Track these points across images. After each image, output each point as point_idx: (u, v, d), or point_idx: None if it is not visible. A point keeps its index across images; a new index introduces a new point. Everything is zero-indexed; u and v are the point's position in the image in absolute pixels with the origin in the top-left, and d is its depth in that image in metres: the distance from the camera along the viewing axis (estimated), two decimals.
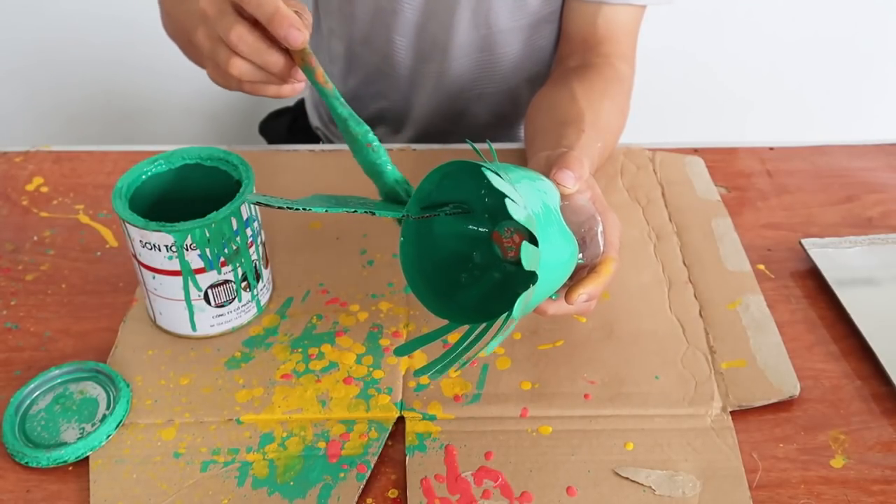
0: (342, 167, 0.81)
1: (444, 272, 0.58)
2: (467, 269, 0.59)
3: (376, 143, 0.57)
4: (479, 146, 0.59)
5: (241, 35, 0.53)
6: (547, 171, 0.59)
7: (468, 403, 0.58)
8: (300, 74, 0.56)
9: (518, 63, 0.90)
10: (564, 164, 0.56)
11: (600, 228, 0.56)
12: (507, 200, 0.48)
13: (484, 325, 0.54)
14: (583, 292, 0.53)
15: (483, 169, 0.50)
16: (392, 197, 0.58)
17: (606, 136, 0.74)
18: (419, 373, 0.53)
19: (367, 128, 0.57)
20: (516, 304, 0.48)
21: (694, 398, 0.58)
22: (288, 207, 0.52)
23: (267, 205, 0.52)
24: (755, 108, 1.42)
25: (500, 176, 0.49)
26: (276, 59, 0.55)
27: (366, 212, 0.53)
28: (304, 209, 0.52)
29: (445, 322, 0.56)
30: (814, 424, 0.57)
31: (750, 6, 1.31)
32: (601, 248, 0.56)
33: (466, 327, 0.55)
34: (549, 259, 0.50)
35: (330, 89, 0.56)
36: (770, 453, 0.55)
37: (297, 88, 0.57)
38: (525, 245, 0.48)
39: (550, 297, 0.55)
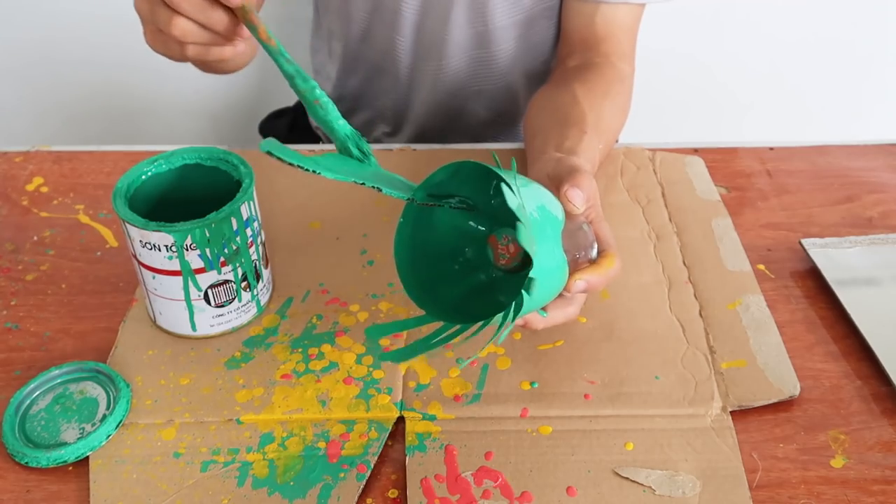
0: None
1: (434, 263, 0.58)
2: (457, 264, 0.59)
3: (324, 98, 0.56)
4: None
5: None
6: (556, 178, 0.58)
7: (468, 403, 0.58)
8: (245, 31, 0.55)
9: (514, 59, 0.90)
10: (576, 183, 0.56)
11: (594, 252, 0.56)
12: (518, 225, 0.48)
13: (459, 326, 0.54)
14: (581, 278, 0.53)
15: (502, 185, 0.50)
16: (345, 151, 0.57)
17: (607, 137, 0.74)
18: (384, 357, 0.55)
19: (315, 84, 0.56)
20: (515, 305, 0.49)
21: (694, 398, 0.58)
22: (299, 165, 0.51)
23: (279, 157, 0.52)
24: (755, 108, 1.42)
25: (513, 191, 0.49)
26: (219, 17, 0.54)
27: (373, 186, 0.52)
28: (314, 171, 0.52)
29: (434, 329, 0.56)
30: (814, 424, 0.57)
31: (750, 6, 1.31)
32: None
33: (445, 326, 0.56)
34: (543, 278, 0.50)
35: (274, 45, 0.55)
36: (770, 453, 0.55)
37: (239, 50, 0.56)
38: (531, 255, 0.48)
39: (539, 313, 0.55)
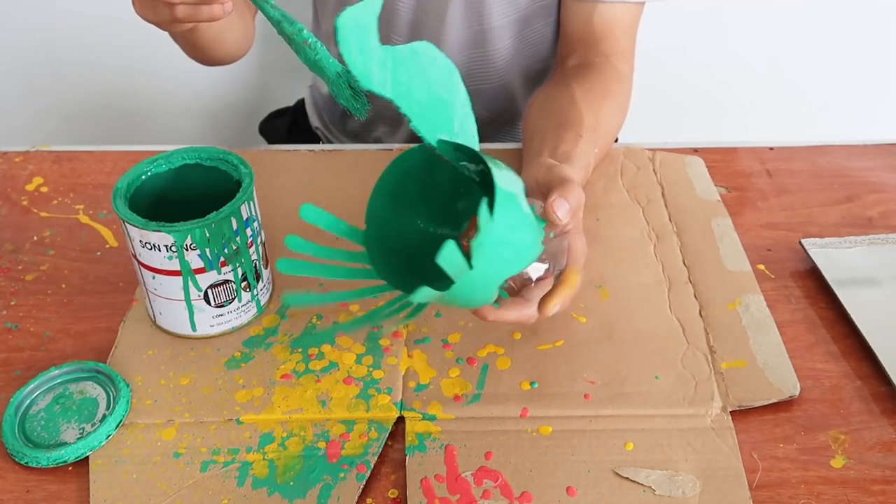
0: (342, 167, 0.82)
1: (404, 214, 0.57)
2: (427, 225, 0.58)
3: (312, 38, 0.56)
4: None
5: None
6: (546, 185, 0.59)
7: (468, 403, 0.58)
8: None
9: (511, 58, 0.90)
10: (563, 194, 0.56)
11: (562, 264, 0.56)
12: (490, 164, 0.48)
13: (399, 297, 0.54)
14: (557, 302, 0.55)
15: (482, 154, 0.50)
16: (338, 90, 0.57)
17: (605, 138, 0.74)
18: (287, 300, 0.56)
19: (301, 25, 0.56)
20: (447, 248, 0.44)
21: (694, 398, 0.58)
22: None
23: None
24: (755, 108, 1.42)
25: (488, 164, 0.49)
26: None
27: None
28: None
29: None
30: (814, 424, 0.57)
31: (750, 6, 1.31)
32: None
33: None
34: (490, 251, 0.47)
35: None
36: (770, 453, 0.55)
37: (227, 8, 0.57)
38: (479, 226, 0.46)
39: (493, 305, 0.54)
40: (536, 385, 0.59)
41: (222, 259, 0.59)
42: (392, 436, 0.56)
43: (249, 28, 0.85)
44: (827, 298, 0.67)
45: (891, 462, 0.55)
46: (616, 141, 0.85)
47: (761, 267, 0.70)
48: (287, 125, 1.09)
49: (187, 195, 0.64)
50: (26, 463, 0.54)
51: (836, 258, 0.69)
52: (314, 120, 1.06)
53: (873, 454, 0.55)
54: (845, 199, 0.78)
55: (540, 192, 0.59)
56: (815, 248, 0.70)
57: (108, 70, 1.32)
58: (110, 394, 0.58)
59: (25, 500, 0.53)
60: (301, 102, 1.10)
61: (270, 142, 1.09)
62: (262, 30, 1.32)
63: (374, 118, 0.99)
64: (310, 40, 0.56)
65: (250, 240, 0.61)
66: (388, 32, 0.88)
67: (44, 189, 0.79)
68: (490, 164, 0.48)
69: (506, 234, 0.49)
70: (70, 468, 0.55)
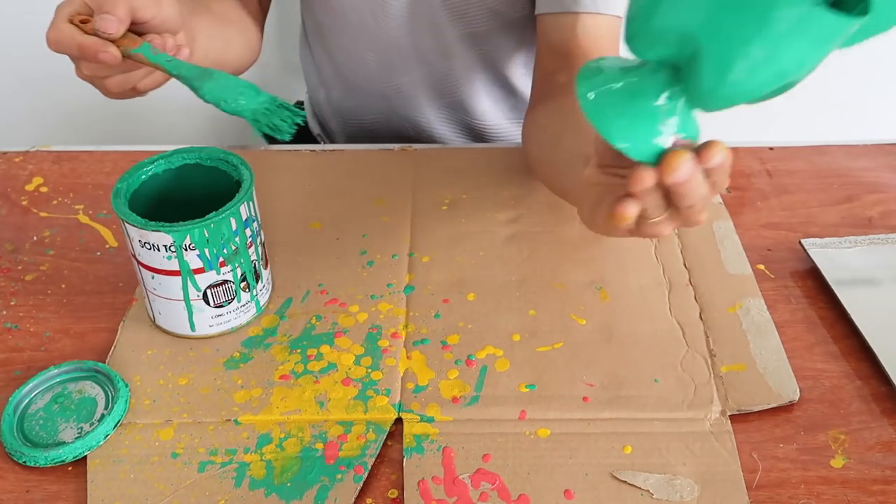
0: (342, 167, 0.82)
1: None
2: None
3: (209, 97, 0.59)
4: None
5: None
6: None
7: (466, 405, 0.58)
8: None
9: (470, 73, 0.90)
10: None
11: None
12: None
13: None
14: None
15: None
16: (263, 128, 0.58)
17: None
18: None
19: (198, 86, 0.59)
20: None
21: (693, 402, 0.58)
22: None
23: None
24: (755, 107, 1.42)
25: None
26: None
27: None
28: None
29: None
30: (814, 424, 0.57)
31: None
32: None
33: None
34: None
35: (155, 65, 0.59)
36: (770, 453, 0.55)
37: (108, 57, 0.59)
38: None
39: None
40: (535, 387, 0.59)
41: (221, 259, 0.59)
42: (392, 436, 0.56)
43: (253, 40, 0.86)
44: (827, 298, 0.67)
45: (891, 462, 0.55)
46: None
47: (761, 267, 0.70)
48: None
49: (187, 195, 0.64)
50: (24, 462, 0.54)
51: (836, 258, 0.69)
52: (315, 128, 1.06)
53: (873, 454, 0.55)
54: (845, 199, 0.78)
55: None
56: (815, 248, 0.70)
57: None
58: (109, 393, 0.58)
59: (25, 501, 0.53)
60: (300, 105, 1.10)
61: (271, 141, 1.09)
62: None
63: (367, 126, 0.99)
64: (206, 98, 0.59)
65: (250, 240, 0.61)
66: (362, 50, 0.88)
67: (44, 189, 0.79)
68: None
69: None
70: (70, 468, 0.55)
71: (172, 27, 0.63)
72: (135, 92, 0.64)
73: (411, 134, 0.95)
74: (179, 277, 0.59)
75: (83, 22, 0.59)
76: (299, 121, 0.59)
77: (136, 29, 0.61)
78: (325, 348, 0.62)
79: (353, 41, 0.89)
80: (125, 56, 0.59)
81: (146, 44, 0.59)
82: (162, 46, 0.60)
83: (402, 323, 0.64)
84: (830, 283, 0.66)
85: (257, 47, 0.87)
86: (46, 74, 1.32)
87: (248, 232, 0.60)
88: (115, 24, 0.58)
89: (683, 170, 0.44)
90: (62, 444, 0.55)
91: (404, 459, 0.54)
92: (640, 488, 0.52)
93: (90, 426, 0.56)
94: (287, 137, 0.59)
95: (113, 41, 0.58)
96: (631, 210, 0.46)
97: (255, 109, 0.57)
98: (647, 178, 0.44)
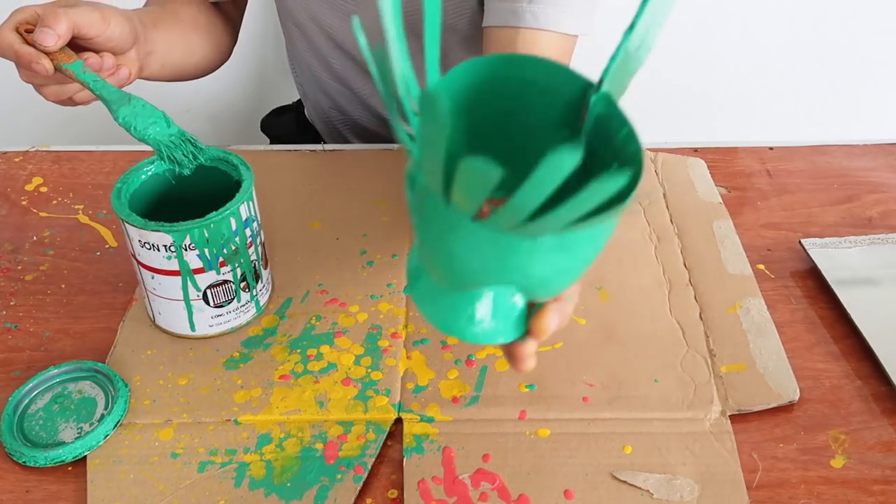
0: (343, 167, 0.82)
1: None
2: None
3: (124, 120, 0.59)
4: None
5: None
6: None
7: (466, 405, 0.58)
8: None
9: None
10: None
11: None
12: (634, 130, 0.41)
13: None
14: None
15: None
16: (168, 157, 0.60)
17: None
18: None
19: (117, 110, 0.59)
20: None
21: (693, 402, 0.58)
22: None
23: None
24: (755, 107, 1.42)
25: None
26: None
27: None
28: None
29: None
30: (814, 424, 0.57)
31: (750, 6, 1.31)
32: None
33: None
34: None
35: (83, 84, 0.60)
36: (770, 453, 0.55)
37: (41, 69, 0.60)
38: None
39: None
40: (535, 387, 0.59)
41: (221, 259, 0.59)
42: (392, 436, 0.56)
43: (223, 43, 0.87)
44: (827, 298, 0.67)
45: (891, 462, 0.55)
46: None
47: (761, 267, 0.70)
48: (294, 119, 1.10)
49: (187, 195, 0.64)
50: (24, 462, 0.54)
51: (836, 258, 0.69)
52: (318, 124, 1.06)
53: (873, 454, 0.55)
54: (845, 199, 0.78)
55: None
56: (815, 248, 0.70)
57: None
58: (109, 393, 0.58)
59: (25, 501, 0.53)
60: (300, 102, 1.10)
61: (275, 137, 1.09)
62: (262, 29, 1.32)
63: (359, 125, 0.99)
64: (123, 123, 0.59)
65: (249, 240, 0.61)
66: (336, 58, 0.89)
67: (43, 189, 0.79)
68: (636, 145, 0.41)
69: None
70: (70, 468, 0.55)
71: (118, 46, 0.64)
72: (72, 102, 0.65)
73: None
74: (179, 277, 0.59)
75: (28, 31, 0.61)
76: (202, 159, 0.61)
77: (83, 44, 0.62)
78: (325, 348, 0.62)
79: (326, 47, 0.90)
80: (58, 69, 0.60)
81: (79, 61, 0.61)
82: (98, 65, 0.62)
83: (402, 323, 0.64)
84: (830, 283, 0.66)
85: (227, 50, 0.89)
86: None
87: (247, 232, 0.60)
88: (52, 38, 0.59)
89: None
90: (62, 444, 0.55)
91: (404, 459, 0.54)
92: (640, 488, 0.52)
93: (90, 426, 0.56)
94: (187, 172, 0.61)
95: (49, 54, 0.60)
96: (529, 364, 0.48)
97: (160, 140, 0.59)
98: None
